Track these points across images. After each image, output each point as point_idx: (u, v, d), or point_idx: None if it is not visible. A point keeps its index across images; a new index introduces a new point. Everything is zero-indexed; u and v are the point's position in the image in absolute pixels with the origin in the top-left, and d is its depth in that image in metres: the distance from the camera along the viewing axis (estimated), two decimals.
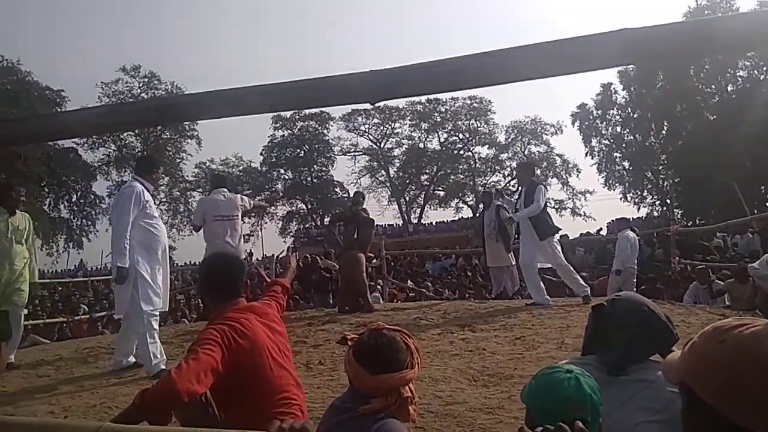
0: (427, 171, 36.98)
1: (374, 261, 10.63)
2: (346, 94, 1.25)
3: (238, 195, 7.24)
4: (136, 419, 1.88)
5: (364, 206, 7.98)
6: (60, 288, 16.02)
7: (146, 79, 34.94)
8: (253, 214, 38.34)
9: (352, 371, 1.88)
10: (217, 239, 6.66)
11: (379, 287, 10.67)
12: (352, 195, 9.12)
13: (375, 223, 7.98)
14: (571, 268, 6.85)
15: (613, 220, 25.83)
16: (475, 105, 36.34)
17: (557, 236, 6.88)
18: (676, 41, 1.18)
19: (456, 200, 36.93)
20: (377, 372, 1.82)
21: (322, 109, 33.02)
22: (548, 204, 7.01)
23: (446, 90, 1.24)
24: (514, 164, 36.75)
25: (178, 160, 36.70)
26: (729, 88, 28.71)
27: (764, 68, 27.19)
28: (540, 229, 6.63)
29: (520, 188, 7.46)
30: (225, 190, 7.10)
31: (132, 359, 4.91)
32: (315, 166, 38.23)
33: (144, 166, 5.10)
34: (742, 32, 1.17)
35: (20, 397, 4.30)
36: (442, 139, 37.93)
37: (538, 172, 35.93)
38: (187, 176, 37.71)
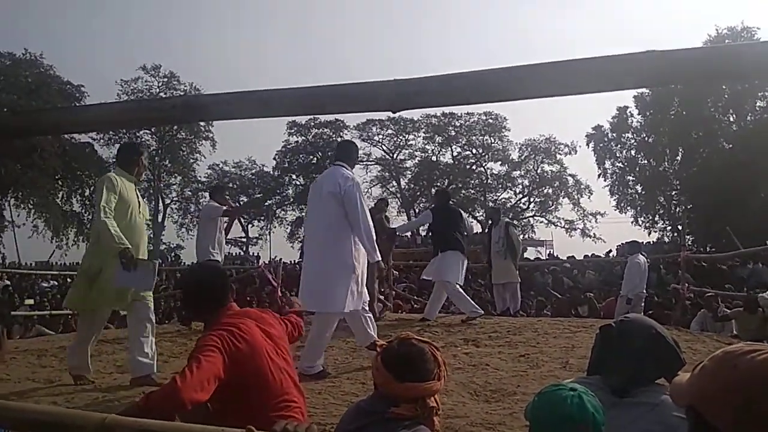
0: (438, 184, 36.95)
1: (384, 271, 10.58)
2: (368, 102, 1.26)
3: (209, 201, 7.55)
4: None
5: (385, 214, 7.97)
6: (69, 280, 16.10)
7: (165, 79, 35.32)
8: (262, 217, 38.57)
9: (380, 377, 1.91)
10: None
11: (382, 297, 10.62)
12: (377, 200, 9.00)
13: (396, 235, 7.86)
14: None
15: (623, 243, 25.71)
16: (490, 121, 36.36)
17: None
18: (704, 64, 1.18)
19: (466, 215, 36.85)
20: (404, 380, 1.85)
21: (338, 116, 33.22)
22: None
23: (472, 102, 1.26)
24: (526, 182, 36.72)
25: (191, 161, 36.99)
26: (747, 118, 28.55)
27: None
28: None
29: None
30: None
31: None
32: None
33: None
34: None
35: (24, 386, 4.33)
36: (455, 153, 37.97)
37: (550, 191, 36.22)
38: (200, 177, 37.98)
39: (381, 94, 1.26)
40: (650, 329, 2.00)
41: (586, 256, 17.21)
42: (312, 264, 4.38)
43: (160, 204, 37.05)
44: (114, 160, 32.62)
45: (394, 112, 1.24)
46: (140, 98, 33.26)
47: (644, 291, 8.64)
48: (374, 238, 4.36)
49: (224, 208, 7.25)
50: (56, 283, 15.77)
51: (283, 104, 1.42)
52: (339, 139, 37.53)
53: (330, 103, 1.40)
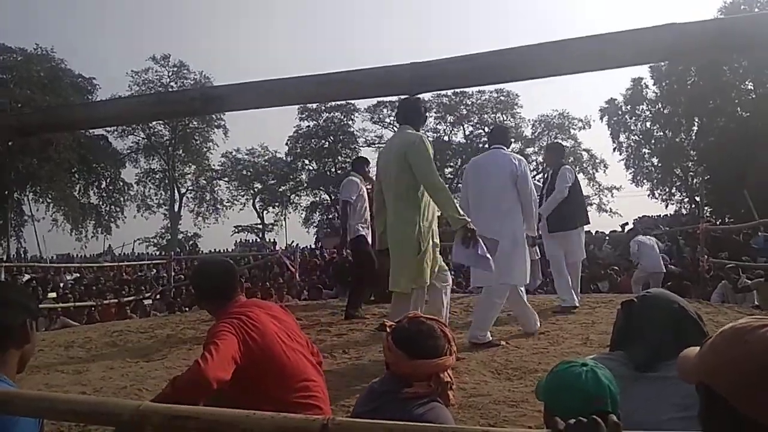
0: (452, 164, 36.81)
1: None
2: (386, 86, 1.26)
3: (351, 177, 6.53)
4: None
5: None
6: (90, 273, 16.36)
7: (175, 69, 35.41)
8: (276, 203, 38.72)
9: (392, 356, 1.93)
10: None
11: None
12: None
13: None
14: (568, 279, 5.85)
15: (639, 217, 25.47)
16: (502, 98, 36.01)
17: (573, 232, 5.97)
18: (725, 36, 1.17)
19: None
20: (417, 357, 1.87)
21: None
22: (576, 191, 6.10)
23: (492, 82, 1.25)
24: (540, 159, 36.43)
25: (205, 149, 37.17)
26: (766, 86, 27.99)
27: None
28: (550, 220, 5.90)
29: (545, 173, 7.02)
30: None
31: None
32: (339, 158, 38.32)
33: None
34: None
35: (53, 377, 4.43)
36: (467, 132, 37.72)
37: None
38: (214, 165, 38.18)
39: (398, 77, 1.26)
40: (673, 303, 2.00)
41: (597, 232, 17.06)
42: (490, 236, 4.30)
43: (176, 193, 37.34)
44: (128, 151, 32.75)
45: (411, 95, 1.24)
46: (151, 90, 33.45)
47: (662, 268, 8.58)
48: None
49: (368, 186, 6.32)
50: (78, 275, 15.98)
51: (300, 92, 1.43)
52: (350, 123, 37.54)
53: (347, 89, 1.40)
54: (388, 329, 2.02)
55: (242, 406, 2.09)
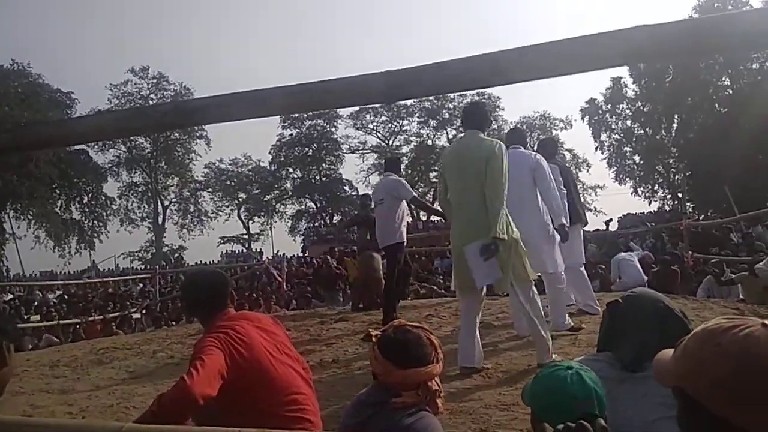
0: (436, 168, 36.86)
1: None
2: (362, 95, 1.25)
3: (392, 177, 6.30)
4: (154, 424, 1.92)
5: (372, 207, 8.06)
6: (73, 290, 16.14)
7: (155, 80, 35.18)
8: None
9: (379, 366, 1.91)
10: (377, 226, 6.23)
11: None
12: (359, 196, 9.08)
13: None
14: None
15: (624, 215, 25.67)
16: (483, 101, 36.19)
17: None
18: (696, 37, 1.17)
19: None
20: (404, 366, 1.85)
21: None
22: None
23: (467, 89, 1.25)
24: None
25: (187, 161, 36.92)
26: (742, 81, 28.43)
27: None
28: None
29: None
30: (389, 173, 6.45)
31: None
32: (323, 165, 38.29)
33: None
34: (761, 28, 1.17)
35: (37, 398, 4.35)
36: (450, 136, 37.83)
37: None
38: (197, 176, 37.93)
39: (373, 86, 1.25)
40: (658, 302, 2.00)
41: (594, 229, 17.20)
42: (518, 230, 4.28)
43: (159, 206, 37.03)
44: (110, 165, 32.32)
45: (388, 104, 1.22)
46: (131, 102, 33.22)
47: (643, 281, 8.56)
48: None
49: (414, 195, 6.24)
50: (61, 292, 15.77)
51: (275, 103, 1.41)
52: (333, 129, 37.46)
53: (323, 99, 1.39)
54: (374, 339, 2.00)
55: (231, 421, 2.07)
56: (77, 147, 30.65)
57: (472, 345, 3.97)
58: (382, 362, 1.90)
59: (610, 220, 21.66)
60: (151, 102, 35.14)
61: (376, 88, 1.21)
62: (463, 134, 4.31)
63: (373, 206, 7.92)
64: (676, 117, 31.05)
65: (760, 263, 5.35)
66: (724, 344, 0.98)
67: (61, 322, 10.62)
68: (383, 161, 7.28)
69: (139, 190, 36.36)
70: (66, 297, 15.22)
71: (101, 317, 10.80)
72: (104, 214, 34.94)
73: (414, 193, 6.06)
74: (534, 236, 4.50)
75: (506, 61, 1.18)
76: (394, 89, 1.22)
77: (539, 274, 4.68)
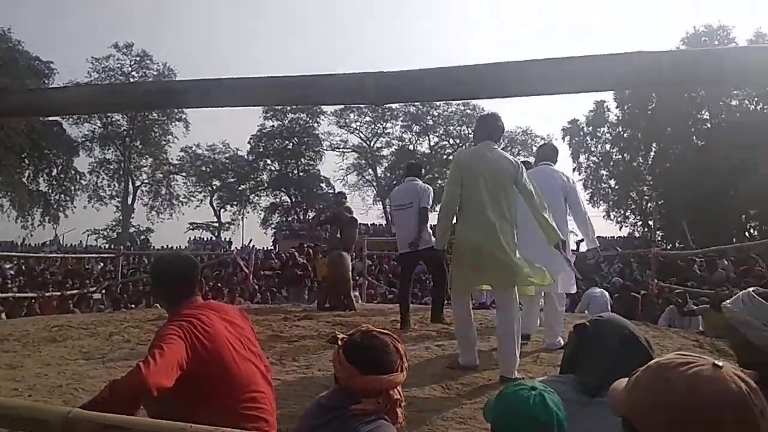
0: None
1: (357, 260, 10.64)
2: (352, 94, 1.22)
3: (419, 183, 6.34)
4: (104, 411, 1.85)
5: (346, 205, 8.06)
6: (29, 263, 15.70)
7: (138, 58, 34.66)
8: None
9: (342, 370, 1.87)
10: (399, 229, 6.25)
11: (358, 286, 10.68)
12: (334, 194, 9.08)
13: (358, 223, 8.05)
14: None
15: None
16: (468, 111, 36.47)
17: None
18: (688, 69, 1.16)
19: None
20: (368, 372, 1.81)
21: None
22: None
23: (458, 98, 1.22)
24: None
25: (163, 143, 36.39)
26: (721, 116, 29.12)
27: (755, 99, 27.62)
28: None
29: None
30: (413, 178, 6.41)
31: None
32: (302, 160, 38.12)
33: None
34: (750, 65, 1.16)
35: None
36: (432, 143, 38.03)
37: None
38: (172, 159, 37.42)
39: (365, 86, 1.21)
40: (624, 329, 2.01)
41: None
42: (543, 247, 4.42)
43: (130, 186, 36.41)
44: (83, 139, 31.75)
45: (377, 105, 1.19)
46: (111, 78, 32.60)
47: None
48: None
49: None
50: (18, 265, 15.34)
51: (261, 93, 1.37)
52: (315, 125, 37.28)
53: (311, 93, 1.35)
54: (339, 342, 1.96)
55: (188, 414, 2.01)
56: (51, 118, 30.07)
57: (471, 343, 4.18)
58: (345, 366, 1.87)
59: (581, 240, 21.87)
60: (132, 80, 34.62)
61: (364, 88, 1.18)
62: (486, 142, 4.28)
63: (342, 205, 7.91)
64: (654, 145, 31.69)
65: (727, 301, 5.38)
66: (672, 379, 1.00)
67: (16, 295, 10.33)
68: (406, 165, 7.26)
69: (111, 167, 35.74)
70: (24, 269, 14.83)
71: (59, 293, 10.52)
72: (73, 188, 34.26)
73: (428, 206, 6.15)
74: (557, 254, 4.49)
75: (502, 74, 1.16)
76: (383, 91, 1.19)
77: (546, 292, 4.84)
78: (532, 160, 6.56)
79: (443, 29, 54.79)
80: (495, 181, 4.08)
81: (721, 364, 1.00)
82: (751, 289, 2.16)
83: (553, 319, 4.90)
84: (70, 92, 1.71)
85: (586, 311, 8.39)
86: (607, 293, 8.95)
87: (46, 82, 30.34)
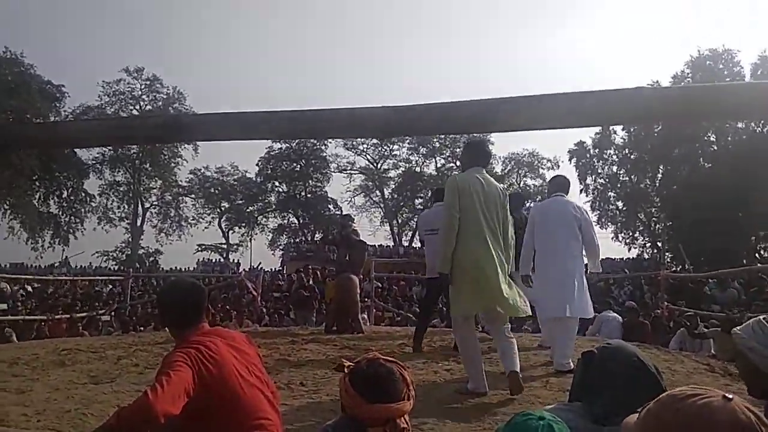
0: (422, 195, 36.98)
1: (365, 283, 10.64)
2: (359, 128, 1.25)
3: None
4: None
5: (354, 228, 8.07)
6: (38, 285, 15.76)
7: (148, 82, 35.04)
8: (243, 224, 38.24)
9: (348, 399, 1.86)
10: (430, 254, 6.27)
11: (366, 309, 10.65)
12: (341, 216, 9.11)
13: (366, 245, 8.05)
14: None
15: (602, 260, 25.82)
16: (475, 134, 36.56)
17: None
18: (688, 104, 1.19)
19: None
20: (375, 401, 1.81)
21: None
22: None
23: (469, 132, 1.25)
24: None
25: (173, 165, 36.63)
26: (728, 138, 29.09)
27: (762, 122, 27.60)
28: None
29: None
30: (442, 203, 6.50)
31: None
32: (310, 181, 38.25)
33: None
34: (749, 100, 1.19)
35: None
36: (439, 165, 38.08)
37: (531, 205, 36.05)
38: (181, 181, 37.64)
39: (370, 120, 1.24)
40: (632, 357, 2.00)
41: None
42: (559, 274, 4.99)
43: (140, 208, 36.63)
44: (93, 162, 31.81)
45: (382, 139, 1.22)
46: (122, 102, 32.95)
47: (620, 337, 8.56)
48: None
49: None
50: (29, 287, 15.40)
51: (268, 128, 1.40)
52: (323, 147, 37.51)
53: (319, 128, 1.38)
54: (345, 370, 1.96)
55: None
56: None
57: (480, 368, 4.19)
58: (351, 395, 1.87)
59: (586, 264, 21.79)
60: (142, 103, 34.99)
61: (376, 123, 1.20)
62: (476, 168, 4.33)
63: (349, 227, 7.90)
64: (661, 167, 31.62)
65: (737, 328, 5.30)
66: (682, 410, 1.01)
67: (26, 317, 10.37)
68: (434, 190, 7.32)
69: (121, 189, 35.96)
70: (34, 291, 14.89)
71: (68, 316, 10.56)
72: (83, 210, 34.44)
73: None
74: (577, 280, 4.96)
75: (509, 108, 1.18)
76: (393, 125, 1.21)
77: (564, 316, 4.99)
78: (534, 182, 6.78)
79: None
80: (489, 206, 4.22)
81: (731, 396, 1.01)
82: (762, 316, 2.15)
83: (565, 341, 4.98)
84: (81, 126, 1.75)
85: (597, 334, 8.31)
86: (619, 317, 8.86)
87: (57, 105, 30.73)
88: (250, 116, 1.25)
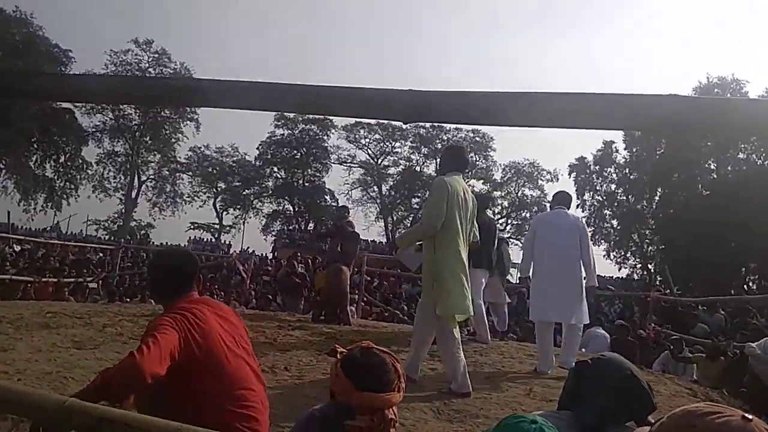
0: (419, 194, 37.02)
1: (356, 275, 10.62)
2: (382, 109, 1.22)
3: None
4: (96, 399, 1.84)
5: (348, 219, 8.06)
6: (28, 246, 15.66)
7: (156, 55, 34.82)
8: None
9: (338, 385, 1.85)
10: None
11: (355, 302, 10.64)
12: (337, 208, 9.12)
13: (360, 237, 8.04)
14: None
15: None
16: (477, 139, 36.60)
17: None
18: (695, 113, 1.17)
19: None
20: (365, 389, 1.80)
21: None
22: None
23: (486, 123, 1.22)
24: (506, 203, 37.08)
25: (173, 140, 36.46)
26: (728, 167, 29.21)
27: (763, 154, 27.71)
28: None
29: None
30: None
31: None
32: (309, 170, 38.19)
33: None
34: (757, 118, 1.17)
35: None
36: (438, 166, 38.05)
37: (528, 215, 36.40)
38: (180, 157, 37.50)
39: (395, 102, 1.22)
40: (626, 370, 1.99)
41: None
42: (560, 281, 5.25)
43: (136, 180, 36.48)
44: (93, 130, 31.73)
45: (405, 123, 1.20)
46: (128, 72, 32.72)
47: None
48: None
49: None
50: (19, 248, 15.30)
51: (286, 100, 1.37)
52: (325, 137, 37.48)
53: (337, 105, 1.34)
54: (338, 356, 1.94)
55: (178, 409, 2.00)
56: (64, 105, 30.16)
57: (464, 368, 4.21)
58: (342, 381, 1.85)
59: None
60: (148, 75, 34.74)
61: (399, 105, 1.18)
62: (457, 174, 4.53)
63: (345, 219, 7.91)
64: (659, 190, 31.72)
65: (754, 344, 5.30)
66: (699, 427, 0.98)
67: (12, 277, 10.31)
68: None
69: (119, 160, 35.77)
70: (22, 251, 14.80)
71: (55, 280, 10.50)
72: (78, 177, 34.28)
73: None
74: (577, 289, 5.26)
75: (529, 103, 1.16)
76: (417, 109, 1.19)
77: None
78: (532, 193, 7.02)
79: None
80: (467, 213, 4.42)
81: (750, 417, 0.98)
82: None
83: (572, 342, 5.33)
84: (94, 80, 1.72)
85: (584, 350, 8.33)
86: (607, 334, 8.91)
87: (64, 69, 30.47)
88: (273, 87, 1.22)
